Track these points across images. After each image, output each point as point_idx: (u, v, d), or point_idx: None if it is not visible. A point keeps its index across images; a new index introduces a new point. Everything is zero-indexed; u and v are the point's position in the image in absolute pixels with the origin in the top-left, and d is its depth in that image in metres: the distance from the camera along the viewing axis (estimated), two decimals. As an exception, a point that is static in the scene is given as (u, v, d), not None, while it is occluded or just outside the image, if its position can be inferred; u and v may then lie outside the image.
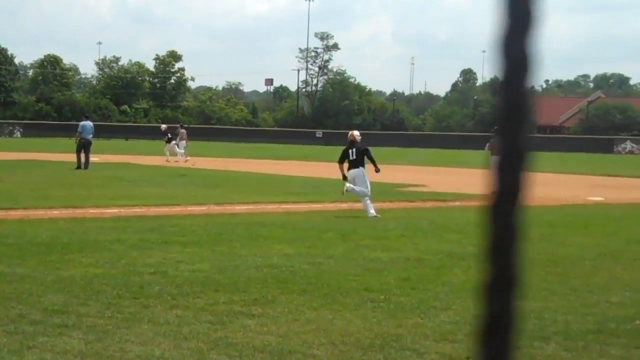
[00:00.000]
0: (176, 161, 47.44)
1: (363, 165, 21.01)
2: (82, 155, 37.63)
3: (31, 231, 15.24)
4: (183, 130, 51.69)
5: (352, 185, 20.62)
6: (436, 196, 26.75)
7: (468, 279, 11.67)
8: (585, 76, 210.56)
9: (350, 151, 21.09)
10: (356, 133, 21.25)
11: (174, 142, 50.07)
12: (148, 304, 9.46)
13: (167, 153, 49.81)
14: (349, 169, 21.04)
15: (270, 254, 13.45)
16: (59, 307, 9.15)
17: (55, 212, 18.92)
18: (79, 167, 37.27)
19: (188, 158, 47.88)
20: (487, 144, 31.48)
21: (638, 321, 9.43)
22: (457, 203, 24.90)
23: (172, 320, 8.81)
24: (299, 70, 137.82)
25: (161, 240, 14.54)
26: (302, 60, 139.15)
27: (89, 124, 39.34)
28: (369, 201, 20.40)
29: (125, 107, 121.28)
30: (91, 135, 38.55)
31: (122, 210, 19.80)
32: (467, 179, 35.47)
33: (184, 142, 50.60)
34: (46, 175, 32.29)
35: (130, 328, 8.45)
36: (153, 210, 19.96)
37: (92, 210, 19.51)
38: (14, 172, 32.86)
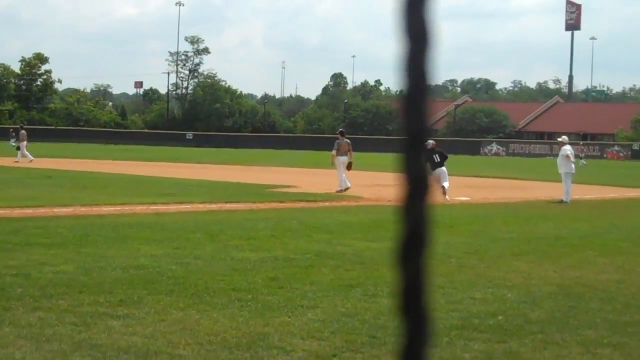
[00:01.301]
0: (16, 161, 47.86)
1: (444, 165, 28.21)
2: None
3: None
4: (23, 132, 52.15)
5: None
6: (306, 197, 26.82)
7: (336, 277, 11.75)
8: (453, 81, 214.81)
9: (434, 156, 27.80)
10: (432, 142, 24.64)
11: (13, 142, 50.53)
12: (9, 307, 9.22)
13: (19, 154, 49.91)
14: (433, 168, 27.13)
15: (137, 255, 13.27)
16: None
17: None
18: None
19: (19, 160, 48.66)
20: (335, 144, 31.53)
21: (500, 317, 9.62)
22: (327, 203, 25.03)
23: (34, 322, 8.60)
24: (169, 73, 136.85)
25: (24, 242, 14.19)
26: (173, 64, 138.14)
27: None
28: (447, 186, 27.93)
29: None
30: None
31: (-15, 212, 19.26)
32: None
33: (24, 142, 51.26)
34: None
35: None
36: (17, 212, 19.46)
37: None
38: None
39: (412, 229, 1.38)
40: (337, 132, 33.72)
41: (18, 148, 51.11)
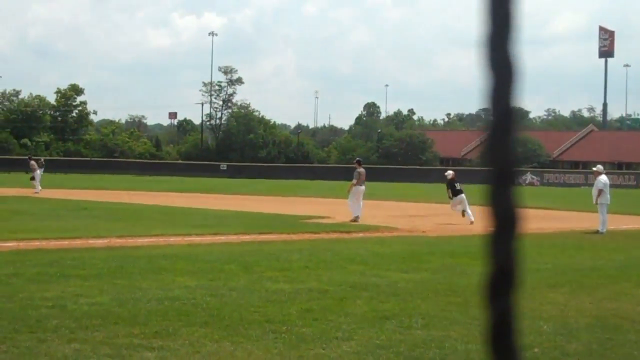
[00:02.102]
0: (36, 192, 48.35)
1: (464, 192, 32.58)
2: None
3: None
4: (33, 162, 52.83)
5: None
6: (340, 228, 26.81)
7: (370, 309, 11.72)
8: (487, 110, 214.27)
9: (455, 184, 32.90)
10: (452, 172, 34.11)
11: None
12: (45, 338, 9.27)
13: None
14: (455, 195, 32.70)
15: (172, 286, 13.31)
16: (-48, 343, 8.91)
17: (-49, 247, 18.47)
18: None
19: (38, 191, 49.14)
20: (356, 174, 32.15)
21: (536, 349, 9.55)
22: (361, 234, 24.99)
23: (69, 354, 8.64)
24: (202, 104, 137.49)
25: (60, 273, 14.28)
26: (206, 94, 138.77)
27: None
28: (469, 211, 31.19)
29: (25, 140, 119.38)
30: None
31: (20, 243, 19.39)
32: (371, 211, 35.66)
33: (37, 172, 51.88)
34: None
35: (26, 363, 8.26)
36: (53, 244, 19.60)
37: (-11, 244, 19.09)
38: None
39: (501, 265, 1.37)
40: (355, 162, 34.27)
41: (32, 178, 51.51)
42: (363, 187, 32.12)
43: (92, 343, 9.13)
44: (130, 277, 14.24)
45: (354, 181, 31.97)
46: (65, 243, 19.93)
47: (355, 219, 30.23)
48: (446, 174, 34.75)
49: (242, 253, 18.50)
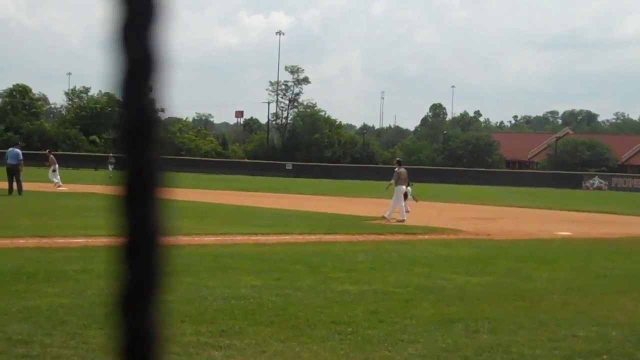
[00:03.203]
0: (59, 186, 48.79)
1: None
2: (14, 182, 38.92)
3: (-4, 260, 15.10)
4: (52, 156, 52.72)
5: None
6: (405, 229, 26.74)
7: (436, 312, 11.67)
8: (554, 112, 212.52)
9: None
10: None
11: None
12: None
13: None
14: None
15: (238, 285, 13.38)
16: (23, 337, 9.04)
17: (21, 242, 18.75)
18: (10, 193, 38.29)
19: (61, 185, 49.54)
20: (395, 174, 32.39)
21: (605, 356, 9.43)
22: (426, 236, 24.89)
23: (137, 351, 8.71)
24: (269, 103, 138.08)
25: (128, 270, 14.41)
26: (273, 93, 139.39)
27: (14, 150, 40.54)
28: None
29: (94, 137, 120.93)
30: (16, 162, 39.47)
31: (89, 240, 19.63)
32: (436, 213, 35.57)
33: (55, 166, 51.96)
34: (12, 203, 32.08)
35: (95, 359, 8.35)
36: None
37: (59, 240, 19.36)
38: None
39: (136, 276, 1.21)
40: (395, 162, 34.39)
41: (54, 170, 51.75)
42: (404, 187, 32.25)
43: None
44: (197, 275, 14.34)
45: (392, 181, 32.32)
46: (133, 240, 20.11)
47: (393, 219, 30.74)
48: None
49: (308, 253, 18.54)
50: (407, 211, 32.16)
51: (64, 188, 47.63)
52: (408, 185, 32.88)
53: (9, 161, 39.29)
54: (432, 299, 12.79)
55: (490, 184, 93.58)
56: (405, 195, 32.52)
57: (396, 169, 33.01)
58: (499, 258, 19.26)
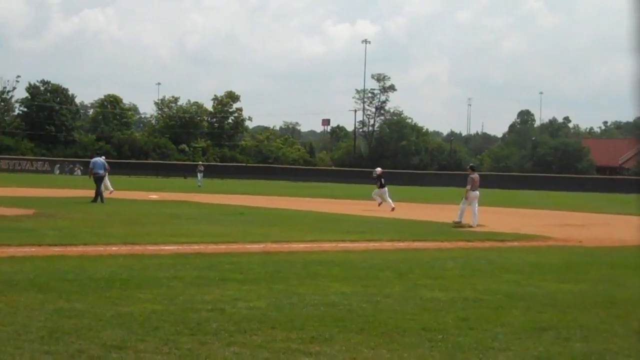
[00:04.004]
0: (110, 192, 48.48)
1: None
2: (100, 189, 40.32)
3: (90, 267, 15.36)
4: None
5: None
6: (494, 236, 26.52)
7: (527, 319, 11.55)
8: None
9: (382, 180, 44.56)
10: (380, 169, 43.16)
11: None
12: (206, 341, 9.46)
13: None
14: (381, 187, 44.33)
15: (327, 292, 13.42)
16: (117, 343, 9.18)
17: (114, 249, 19.08)
18: (100, 200, 39.39)
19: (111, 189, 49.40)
20: (469, 180, 32.39)
21: None
22: (516, 243, 24.64)
23: (229, 357, 8.79)
24: (355, 111, 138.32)
25: (219, 277, 14.58)
26: (359, 101, 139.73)
27: (100, 160, 42.02)
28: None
29: (183, 146, 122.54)
30: (102, 171, 41.27)
31: (180, 247, 19.90)
32: (526, 220, 35.24)
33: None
34: (105, 212, 32.63)
35: (188, 364, 8.45)
36: (211, 248, 20.04)
37: (150, 247, 19.64)
38: (74, 209, 33.22)
39: None
40: (468, 168, 34.33)
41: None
42: (477, 193, 32.22)
43: (251, 347, 9.27)
44: (287, 282, 14.42)
45: (468, 187, 32.25)
46: (222, 247, 20.35)
47: (458, 224, 31.34)
48: (376, 169, 47.33)
49: (396, 260, 18.52)
50: (392, 209, 40.15)
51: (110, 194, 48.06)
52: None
53: (96, 170, 40.33)
54: (522, 307, 12.66)
55: (580, 191, 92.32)
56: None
57: (470, 175, 32.96)
58: (591, 265, 18.99)
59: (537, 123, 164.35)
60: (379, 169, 47.64)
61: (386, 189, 44.73)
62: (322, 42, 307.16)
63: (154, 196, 48.51)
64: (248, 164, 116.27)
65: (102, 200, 39.03)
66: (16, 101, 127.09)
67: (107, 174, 49.98)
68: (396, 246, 22.43)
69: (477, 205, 31.98)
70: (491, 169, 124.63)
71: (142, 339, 9.45)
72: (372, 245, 22.53)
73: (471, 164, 36.33)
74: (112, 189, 48.45)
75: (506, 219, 36.11)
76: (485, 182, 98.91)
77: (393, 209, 42.13)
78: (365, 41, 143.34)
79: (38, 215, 29.44)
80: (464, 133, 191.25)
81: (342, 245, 22.11)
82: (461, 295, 13.67)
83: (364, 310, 11.84)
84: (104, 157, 43.26)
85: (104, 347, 8.98)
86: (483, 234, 27.27)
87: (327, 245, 21.79)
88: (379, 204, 44.52)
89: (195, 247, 19.97)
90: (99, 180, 40.13)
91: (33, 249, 18.37)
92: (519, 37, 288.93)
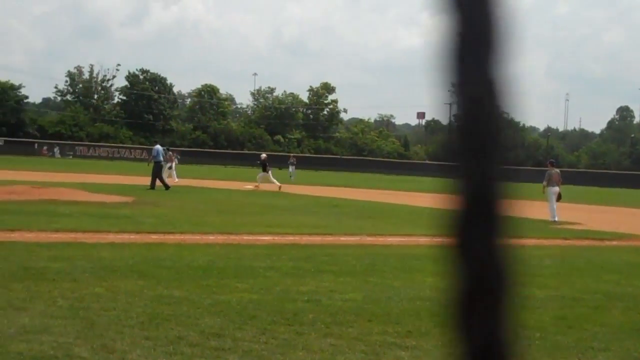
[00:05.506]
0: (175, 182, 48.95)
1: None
2: (164, 176, 41.39)
3: (188, 255, 15.57)
4: (170, 153, 53.53)
5: None
6: (592, 235, 26.11)
7: (627, 320, 11.37)
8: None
9: (266, 164, 49.20)
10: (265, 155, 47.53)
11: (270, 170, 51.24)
12: (302, 331, 9.52)
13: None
14: (264, 171, 49.02)
15: (422, 286, 13.36)
16: (215, 331, 9.29)
17: (211, 238, 19.29)
18: (152, 187, 39.99)
19: (176, 179, 50.07)
20: (546, 175, 32.17)
21: None
22: (615, 242, 24.24)
23: (325, 348, 8.83)
24: (450, 104, 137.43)
25: (314, 268, 14.64)
26: (454, 95, 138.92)
27: (161, 148, 42.79)
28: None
29: (278, 137, 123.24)
30: (162, 159, 42.30)
31: (275, 237, 20.02)
32: (624, 218, 34.64)
33: (173, 163, 52.70)
34: (202, 201, 32.99)
35: (285, 354, 8.50)
36: (306, 239, 20.12)
37: (246, 237, 19.80)
38: (172, 198, 33.66)
39: (477, 273, 1.09)
40: (547, 163, 34.08)
41: (170, 168, 51.82)
42: (556, 188, 31.95)
43: (347, 339, 9.30)
44: (382, 275, 14.42)
45: (544, 182, 32.46)
46: (318, 239, 20.42)
47: (555, 222, 31.00)
48: (262, 156, 52.39)
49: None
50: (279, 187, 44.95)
51: (175, 182, 48.43)
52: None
53: (158, 158, 41.01)
54: (622, 307, 12.46)
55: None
56: (559, 197, 32.18)
57: (548, 170, 32.81)
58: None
59: (637, 120, 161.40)
60: (264, 155, 54.17)
61: (270, 173, 49.85)
62: (419, 34, 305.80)
63: (249, 186, 48.89)
64: (342, 156, 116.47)
65: (166, 187, 39.34)
66: (116, 89, 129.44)
67: (174, 163, 51.07)
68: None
69: (555, 200, 31.87)
70: (588, 166, 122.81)
71: (240, 327, 9.55)
72: (467, 240, 22.31)
73: (551, 159, 36.21)
74: (172, 178, 49.34)
75: (604, 217, 35.56)
76: (582, 180, 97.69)
77: (279, 187, 47.17)
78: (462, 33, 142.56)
79: (137, 203, 29.90)
80: (561, 129, 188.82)
81: (437, 239, 21.94)
82: (559, 293, 13.51)
83: (460, 305, 11.75)
84: (165, 147, 44.56)
85: (202, 335, 9.10)
86: (581, 232, 26.88)
87: (422, 240, 21.69)
88: (256, 186, 48.83)
89: (291, 238, 20.07)
90: (159, 167, 40.84)
91: (132, 236, 18.67)
92: (619, 31, 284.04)
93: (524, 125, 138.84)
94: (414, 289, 13.07)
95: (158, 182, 39.77)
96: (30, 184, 35.03)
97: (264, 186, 47.99)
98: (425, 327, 10.12)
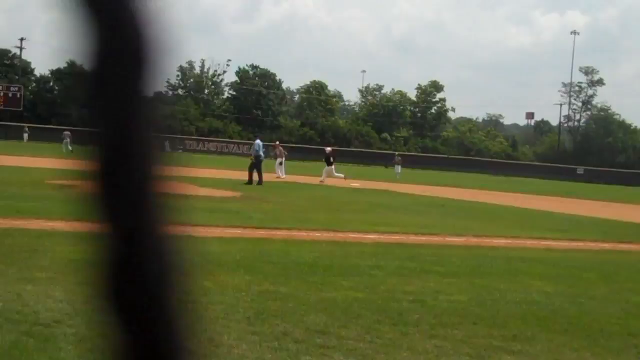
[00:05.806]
0: (277, 177, 48.89)
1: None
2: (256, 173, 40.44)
3: (294, 251, 15.68)
4: (280, 148, 53.79)
5: None
6: None
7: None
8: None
9: (330, 158, 48.07)
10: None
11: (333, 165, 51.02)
12: (407, 332, 9.51)
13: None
14: (329, 165, 49.96)
15: (529, 290, 13.24)
16: (320, 328, 9.34)
17: (317, 234, 19.38)
18: (259, 183, 39.79)
19: (282, 175, 49.98)
20: None
21: None
22: None
23: (430, 349, 8.81)
24: (561, 105, 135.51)
25: (420, 268, 14.61)
26: (565, 95, 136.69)
27: (260, 142, 42.55)
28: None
29: (385, 134, 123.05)
30: (263, 154, 41.82)
31: (381, 236, 20.02)
32: None
33: (282, 159, 52.55)
34: (307, 197, 33.14)
35: (389, 354, 8.51)
36: (412, 239, 20.09)
37: (352, 235, 19.84)
38: (278, 193, 33.92)
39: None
40: None
41: (280, 164, 52.01)
42: None
43: (452, 341, 9.26)
44: (488, 277, 14.32)
45: None
46: (423, 239, 20.36)
47: None
48: (326, 150, 52.72)
49: (602, 261, 18.08)
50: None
51: (282, 178, 48.68)
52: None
53: (259, 152, 40.94)
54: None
55: None
56: None
57: None
58: None
59: None
60: (328, 149, 53.92)
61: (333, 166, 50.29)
62: (529, 33, 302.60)
63: (355, 184, 48.96)
64: (449, 156, 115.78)
65: (260, 182, 39.52)
66: (226, 84, 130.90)
67: (283, 159, 51.27)
68: (601, 247, 21.87)
69: None
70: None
71: (345, 325, 9.59)
72: (575, 244, 22.04)
73: None
74: (280, 174, 49.73)
75: None
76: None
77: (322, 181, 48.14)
78: (574, 32, 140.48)
79: (244, 197, 30.23)
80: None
81: (544, 242, 21.70)
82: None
83: (567, 310, 11.63)
84: (276, 142, 44.80)
85: (307, 331, 9.16)
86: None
87: (528, 242, 21.46)
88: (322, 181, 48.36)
89: (396, 237, 20.05)
90: (259, 161, 40.76)
91: (239, 231, 18.89)
92: None
93: (636, 127, 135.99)
94: (520, 292, 12.95)
95: (259, 177, 40.00)
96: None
97: (329, 180, 48.85)
98: (532, 332, 10.03)
